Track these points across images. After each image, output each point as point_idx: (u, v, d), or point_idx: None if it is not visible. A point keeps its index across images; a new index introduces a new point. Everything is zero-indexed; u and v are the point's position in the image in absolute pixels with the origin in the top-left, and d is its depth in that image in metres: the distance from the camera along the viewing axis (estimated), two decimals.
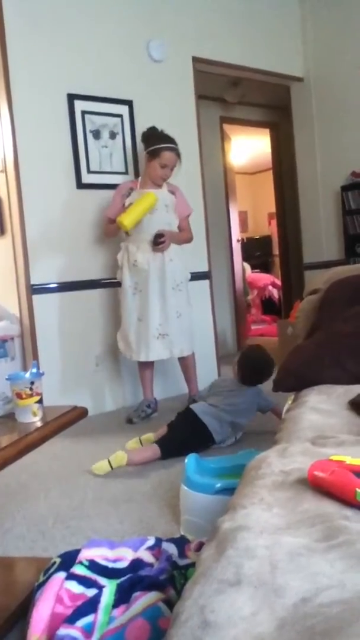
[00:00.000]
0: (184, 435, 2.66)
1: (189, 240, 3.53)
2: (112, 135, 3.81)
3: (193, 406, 2.77)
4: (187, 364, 3.54)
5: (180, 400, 3.70)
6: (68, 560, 1.47)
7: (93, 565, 1.44)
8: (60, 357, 3.62)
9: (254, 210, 10.01)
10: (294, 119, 5.24)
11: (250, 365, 2.84)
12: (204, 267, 4.30)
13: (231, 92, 5.72)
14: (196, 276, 4.24)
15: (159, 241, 3.22)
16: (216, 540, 0.78)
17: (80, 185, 3.68)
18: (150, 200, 3.22)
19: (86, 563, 1.44)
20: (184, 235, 3.48)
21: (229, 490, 1.63)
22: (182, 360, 3.52)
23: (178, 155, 3.37)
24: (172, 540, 1.61)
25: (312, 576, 0.64)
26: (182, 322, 3.37)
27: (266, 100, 6.05)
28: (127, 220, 3.18)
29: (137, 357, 3.36)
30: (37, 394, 1.46)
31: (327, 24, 4.83)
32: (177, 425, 2.73)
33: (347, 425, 1.33)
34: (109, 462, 2.46)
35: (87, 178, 3.69)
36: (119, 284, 3.46)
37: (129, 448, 2.75)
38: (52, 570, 1.43)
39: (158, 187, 3.39)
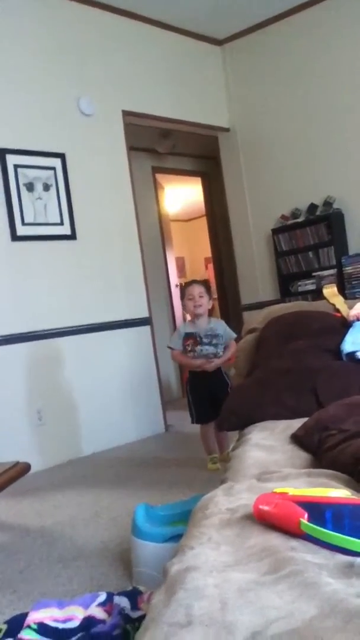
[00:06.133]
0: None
1: None
2: (46, 188, 3.83)
3: None
4: None
5: (122, 450, 3.62)
6: (15, 625, 1.40)
7: (42, 628, 1.37)
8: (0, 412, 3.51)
9: (191, 255, 10.20)
10: (224, 167, 5.45)
11: None
12: (144, 313, 4.32)
13: (162, 143, 5.90)
14: (137, 322, 4.26)
15: None
16: (166, 584, 0.77)
17: (15, 237, 3.66)
18: None
19: (34, 627, 1.37)
20: None
21: (180, 537, 1.60)
22: None
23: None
24: (124, 593, 1.56)
25: (262, 610, 0.64)
26: None
27: (196, 150, 6.28)
28: None
29: None
30: None
31: (248, 77, 5.11)
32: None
33: (290, 459, 1.35)
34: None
35: (22, 230, 3.68)
36: (52, 335, 3.63)
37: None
38: None
39: None
